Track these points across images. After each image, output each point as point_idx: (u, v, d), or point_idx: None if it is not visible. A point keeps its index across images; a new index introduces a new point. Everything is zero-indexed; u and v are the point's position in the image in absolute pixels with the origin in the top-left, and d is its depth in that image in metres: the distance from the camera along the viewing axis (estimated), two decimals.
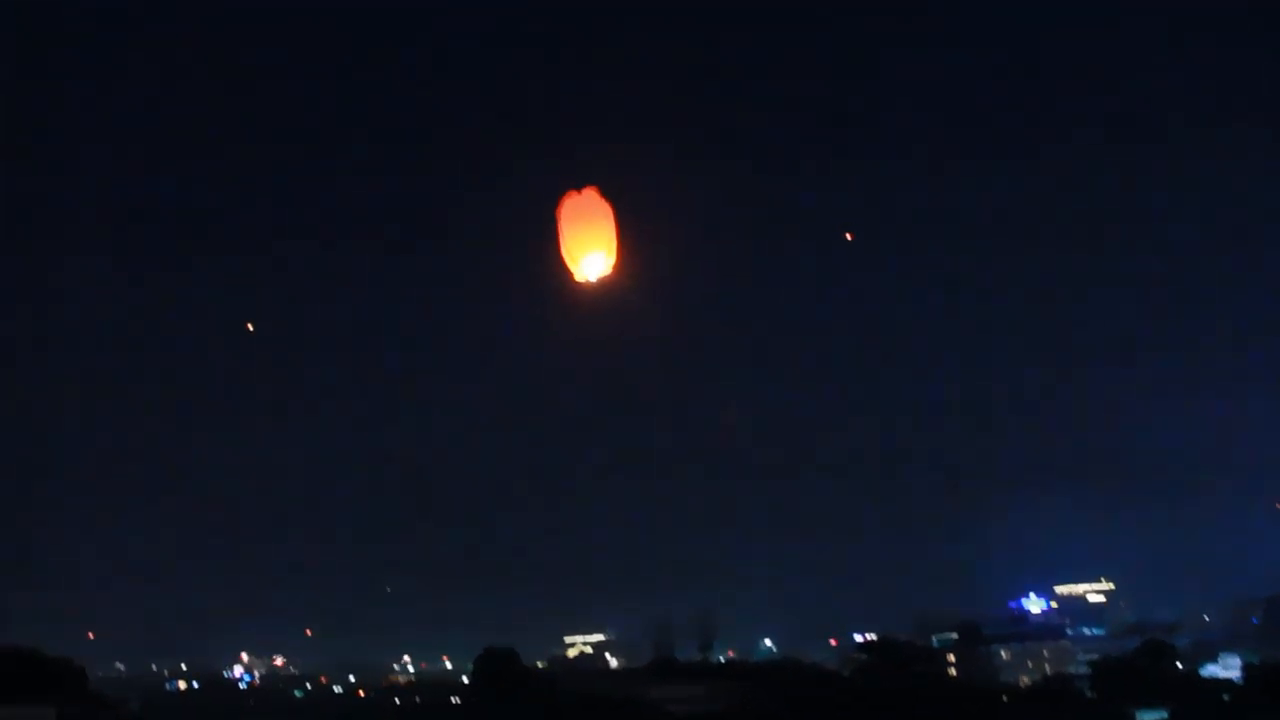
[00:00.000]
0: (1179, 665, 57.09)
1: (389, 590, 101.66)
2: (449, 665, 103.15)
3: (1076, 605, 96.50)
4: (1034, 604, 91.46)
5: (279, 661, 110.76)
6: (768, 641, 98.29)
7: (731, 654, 79.53)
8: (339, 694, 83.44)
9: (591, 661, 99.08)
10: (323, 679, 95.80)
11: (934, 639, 72.85)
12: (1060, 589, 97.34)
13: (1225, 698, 47.29)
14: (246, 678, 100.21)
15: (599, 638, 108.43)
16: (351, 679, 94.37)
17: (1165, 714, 45.41)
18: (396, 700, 67.81)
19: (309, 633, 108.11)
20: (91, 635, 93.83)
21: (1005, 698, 51.83)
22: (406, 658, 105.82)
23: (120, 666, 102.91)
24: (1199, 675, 57.46)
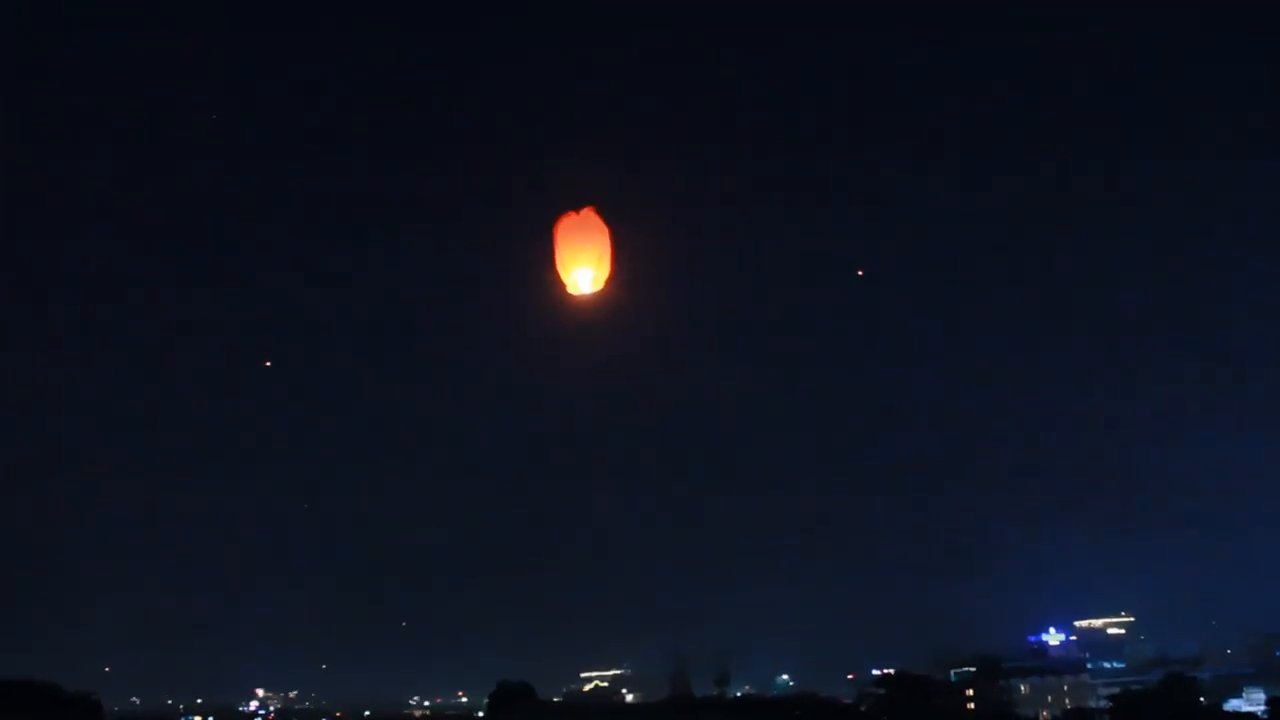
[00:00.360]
0: (1201, 699, 56.58)
1: (404, 625, 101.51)
2: (464, 700, 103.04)
3: (1096, 639, 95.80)
4: (1053, 638, 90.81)
5: (294, 696, 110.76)
6: (785, 676, 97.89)
7: (749, 689, 79.22)
8: None
9: (608, 696, 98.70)
10: (338, 714, 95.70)
11: (952, 673, 72.34)
12: (1080, 623, 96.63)
13: None
14: (262, 712, 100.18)
15: (616, 673, 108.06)
16: (367, 714, 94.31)
17: None
18: None
19: (325, 667, 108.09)
20: (108, 669, 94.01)
21: None
22: (416, 698, 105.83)
23: (136, 701, 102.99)
24: (1223, 709, 56.99)
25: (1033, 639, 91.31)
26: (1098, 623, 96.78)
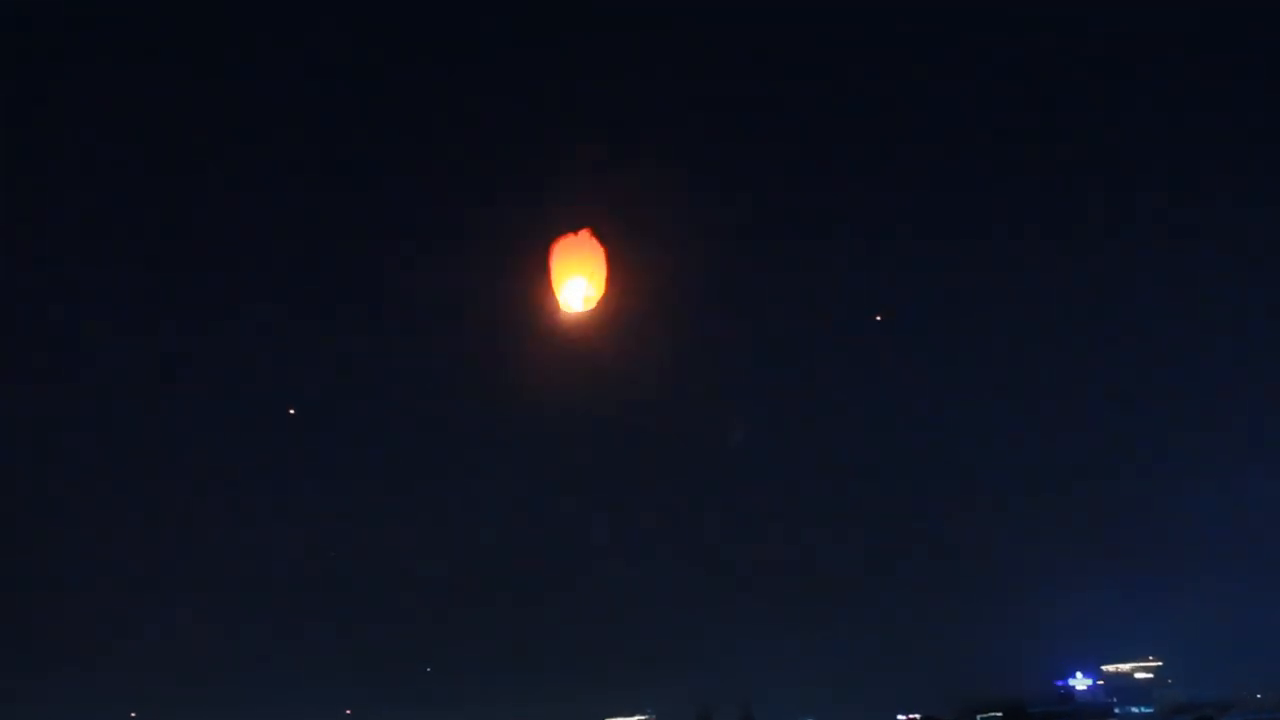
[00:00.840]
0: None
1: (429, 671, 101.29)
2: None
3: (1124, 683, 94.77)
4: (1080, 682, 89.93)
5: None
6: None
7: None
8: None
9: None
10: None
11: (978, 718, 71.90)
12: (1107, 667, 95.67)
13: None
14: None
15: (640, 718, 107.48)
16: None
17: None
18: None
19: (349, 713, 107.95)
20: (134, 715, 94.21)
21: None
22: None
23: None
24: None
25: (1060, 684, 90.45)
26: (1125, 667, 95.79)
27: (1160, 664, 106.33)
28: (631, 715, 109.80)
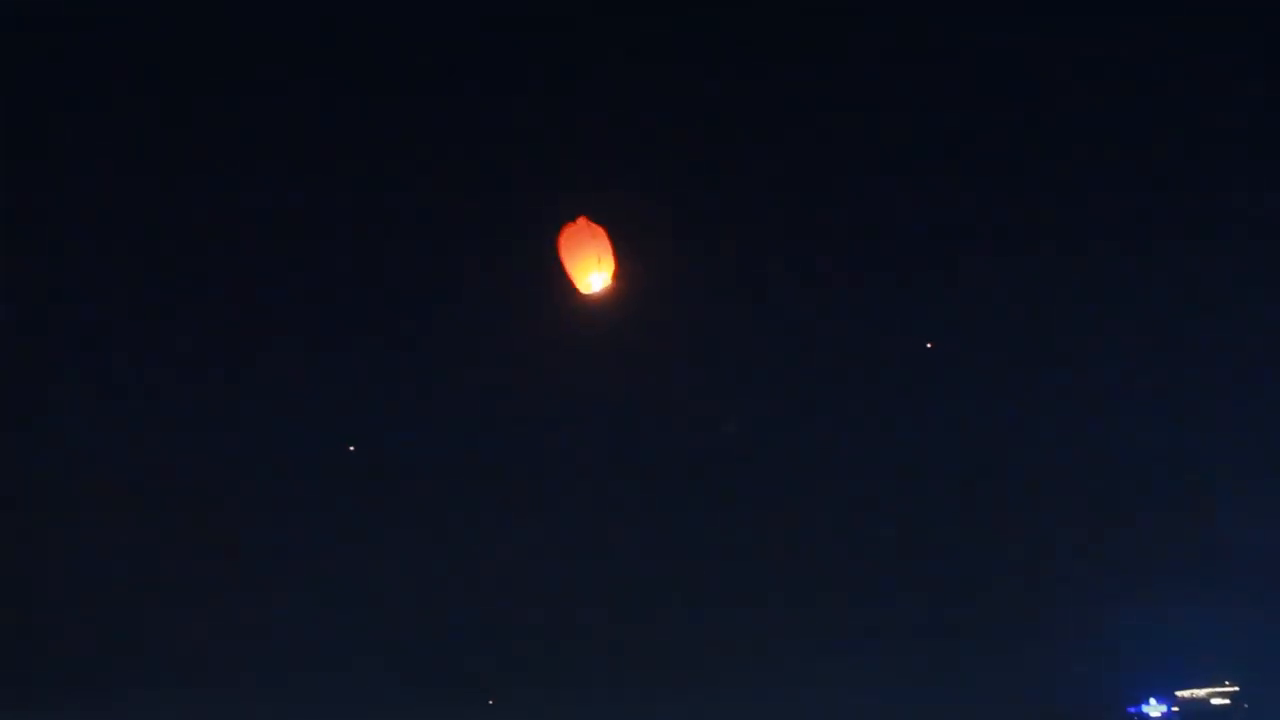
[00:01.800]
0: None
1: (491, 704, 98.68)
2: None
3: (1199, 710, 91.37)
4: (1154, 709, 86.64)
5: None
6: None
7: None
8: None
9: None
10: None
11: None
12: (1182, 692, 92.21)
13: None
14: None
15: None
16: None
17: None
18: None
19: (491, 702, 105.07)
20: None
21: None
22: None
23: None
24: None
25: (1132, 710, 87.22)
26: (1201, 692, 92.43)
27: (1237, 689, 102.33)
28: None
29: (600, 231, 19.47)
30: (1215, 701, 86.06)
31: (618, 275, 19.67)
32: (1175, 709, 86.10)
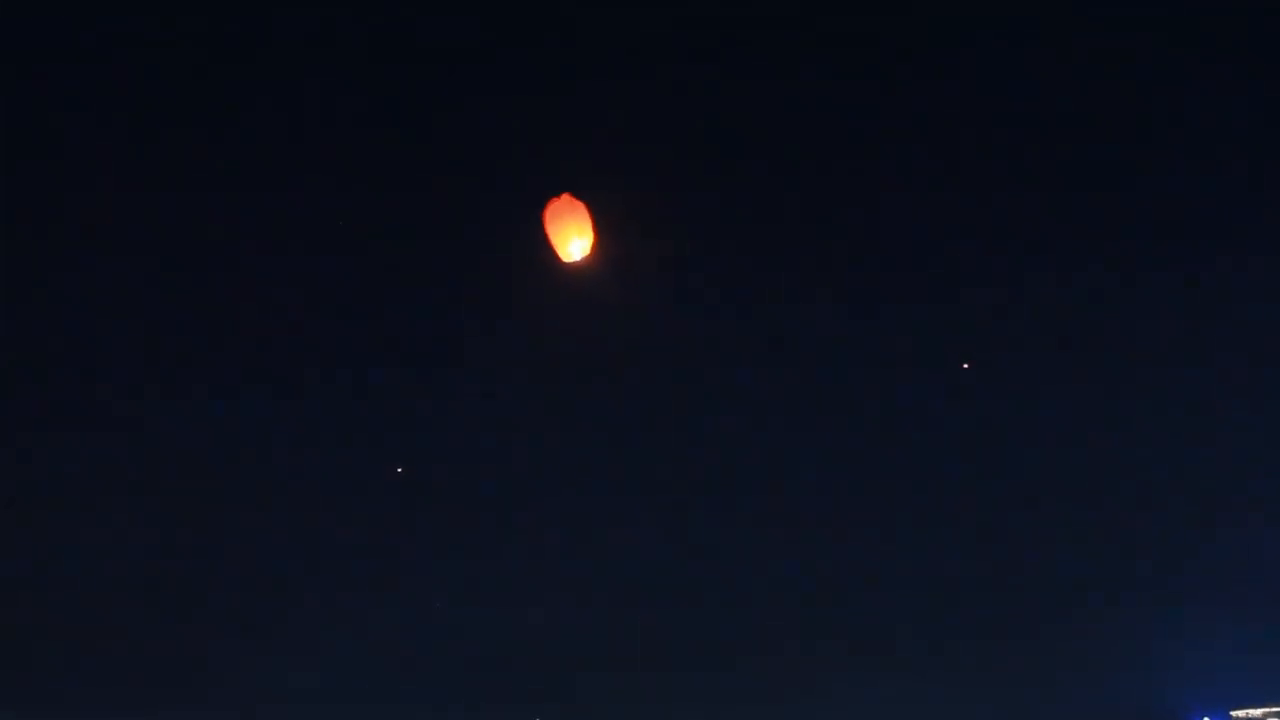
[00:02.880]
0: None
1: None
2: None
3: None
4: None
5: None
6: None
7: None
8: None
9: None
10: None
11: None
12: (1236, 711, 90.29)
13: None
14: None
15: None
16: None
17: None
18: None
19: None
20: None
21: None
22: None
23: None
24: None
25: None
26: (1256, 712, 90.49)
27: None
28: None
29: (581, 206, 20.19)
30: None
31: (596, 245, 20.59)
32: None
